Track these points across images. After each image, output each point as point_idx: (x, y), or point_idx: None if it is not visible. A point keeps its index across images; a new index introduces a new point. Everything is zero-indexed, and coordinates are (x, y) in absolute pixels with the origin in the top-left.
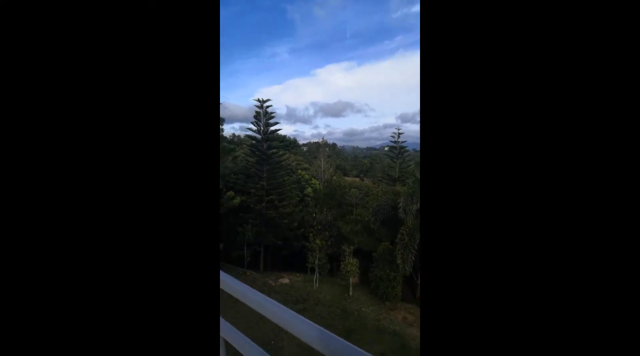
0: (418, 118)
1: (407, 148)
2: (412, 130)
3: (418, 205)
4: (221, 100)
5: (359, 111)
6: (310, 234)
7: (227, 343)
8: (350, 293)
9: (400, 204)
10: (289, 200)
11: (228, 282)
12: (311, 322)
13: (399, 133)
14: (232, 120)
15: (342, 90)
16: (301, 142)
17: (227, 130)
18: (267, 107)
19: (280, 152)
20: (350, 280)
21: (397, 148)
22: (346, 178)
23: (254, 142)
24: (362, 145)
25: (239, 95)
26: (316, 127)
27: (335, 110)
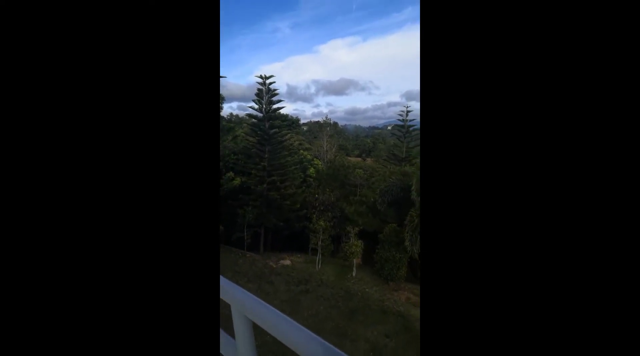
0: None
1: (415, 127)
2: (418, 108)
3: None
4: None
5: (362, 89)
6: (314, 215)
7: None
8: (354, 274)
9: (413, 186)
10: (291, 181)
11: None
12: (318, 337)
13: (407, 112)
14: (231, 98)
15: (345, 67)
16: (302, 121)
17: (225, 109)
18: (270, 84)
19: (283, 132)
20: (354, 261)
21: (404, 128)
22: (349, 158)
23: (254, 120)
24: (365, 124)
25: (238, 73)
26: (317, 105)
27: (338, 88)
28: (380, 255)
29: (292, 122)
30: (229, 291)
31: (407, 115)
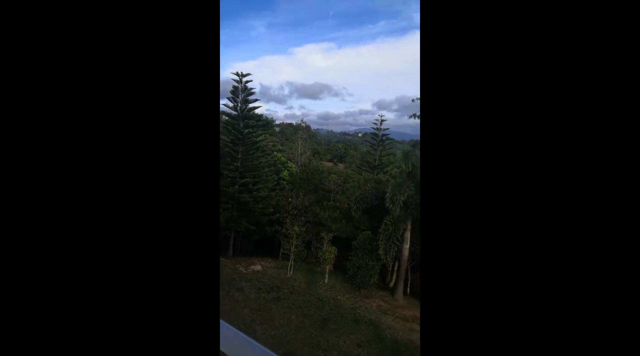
0: (394, 107)
1: (389, 137)
2: (388, 118)
3: (405, 197)
4: None
5: (336, 94)
6: (287, 219)
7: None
8: (326, 281)
9: (387, 194)
10: (264, 184)
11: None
12: None
13: (382, 121)
14: None
15: (320, 72)
16: (274, 122)
17: None
18: (247, 82)
19: (258, 132)
20: (326, 267)
21: (378, 136)
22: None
23: (227, 118)
24: (337, 129)
25: None
26: (290, 107)
27: (312, 92)
28: (353, 262)
29: (266, 123)
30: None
31: (380, 123)
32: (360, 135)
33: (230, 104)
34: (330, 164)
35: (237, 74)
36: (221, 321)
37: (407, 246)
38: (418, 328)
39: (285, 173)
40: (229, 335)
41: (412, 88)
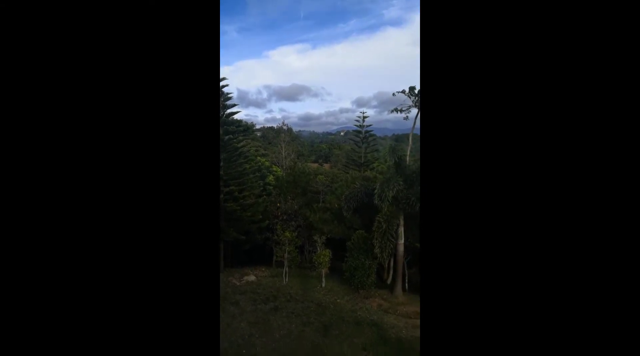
0: (373, 103)
1: (373, 133)
2: (369, 114)
3: (394, 192)
4: None
5: (315, 95)
6: (278, 225)
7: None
8: (323, 285)
9: (376, 190)
10: (250, 191)
11: None
12: None
13: (364, 118)
14: None
15: (296, 73)
16: (255, 127)
17: None
18: (224, 87)
19: (239, 138)
20: (322, 271)
21: (361, 133)
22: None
23: None
24: (319, 130)
25: None
26: (270, 111)
27: (291, 94)
28: (349, 263)
29: (246, 128)
30: None
31: (363, 120)
32: (342, 133)
33: None
34: (316, 165)
35: None
36: None
37: (401, 241)
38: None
39: (271, 178)
40: None
41: (388, 83)
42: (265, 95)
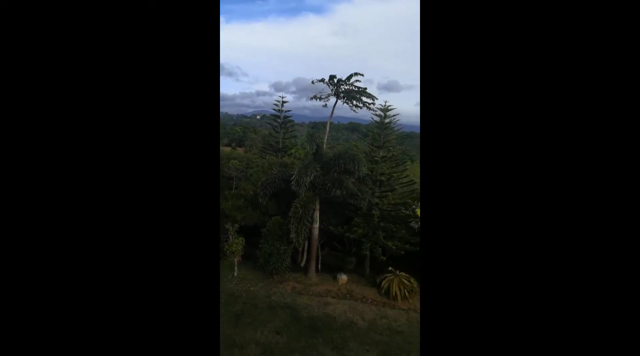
0: (292, 89)
1: (291, 119)
2: (287, 99)
3: (312, 178)
4: None
5: (229, 74)
6: None
7: None
8: (235, 274)
9: (294, 176)
10: None
11: None
12: None
13: (283, 102)
14: None
15: None
16: None
17: None
18: None
19: None
20: (235, 259)
21: (280, 118)
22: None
23: None
24: (233, 111)
25: None
26: None
27: None
28: (264, 249)
29: None
30: None
31: (282, 105)
32: (259, 117)
33: None
34: (229, 149)
35: None
36: None
37: (316, 225)
38: (331, 301)
39: None
40: None
41: (308, 70)
42: None
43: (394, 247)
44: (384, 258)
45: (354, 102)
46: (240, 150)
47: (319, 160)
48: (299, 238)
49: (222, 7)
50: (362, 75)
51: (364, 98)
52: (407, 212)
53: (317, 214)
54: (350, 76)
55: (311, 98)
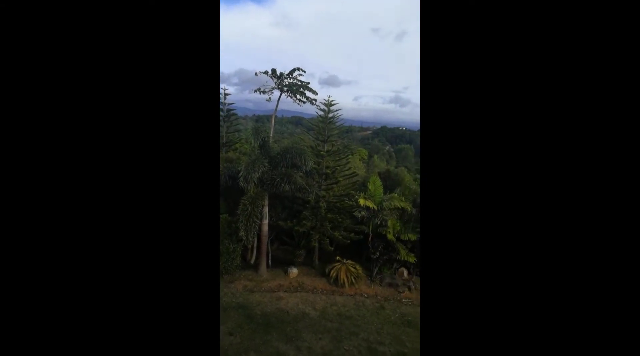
0: (234, 80)
1: (235, 113)
2: (229, 92)
3: (260, 173)
4: None
5: None
6: None
7: None
8: None
9: (241, 172)
10: None
11: None
12: None
13: (226, 94)
14: None
15: None
16: None
17: None
18: None
19: None
20: None
21: (223, 111)
22: None
23: None
24: None
25: None
26: None
27: None
28: None
29: None
30: None
31: (225, 98)
32: None
33: None
34: None
35: None
36: None
37: (266, 221)
38: (283, 295)
39: None
40: None
41: (249, 62)
42: None
43: (341, 237)
44: (332, 248)
45: (298, 97)
46: None
47: (267, 154)
48: (249, 235)
49: None
50: (304, 71)
51: (307, 93)
52: (351, 203)
53: (266, 210)
54: (293, 70)
55: (255, 91)
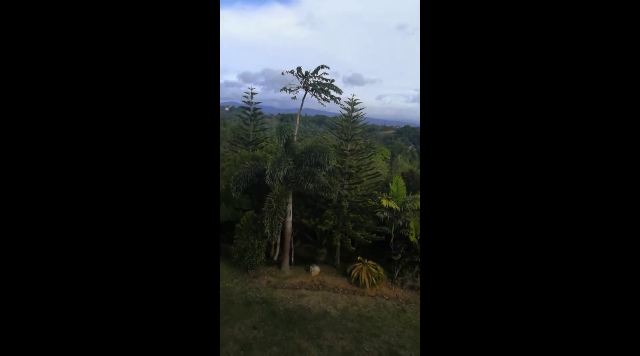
0: (261, 80)
1: (261, 111)
2: (256, 91)
3: (285, 172)
4: None
5: None
6: None
7: None
8: None
9: (267, 170)
10: None
11: None
12: None
13: (252, 94)
14: None
15: None
16: None
17: None
18: None
19: None
20: None
21: (250, 110)
22: None
23: None
24: None
25: None
26: None
27: None
28: (238, 245)
29: None
30: None
31: (251, 97)
32: (227, 109)
33: None
34: None
35: None
36: None
37: (290, 218)
38: (305, 292)
39: None
40: None
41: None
42: None
43: (362, 237)
44: (353, 248)
45: (323, 95)
46: None
47: (291, 153)
48: (273, 232)
49: None
50: (329, 68)
51: (332, 92)
52: (374, 203)
53: (290, 208)
54: (318, 68)
55: (281, 90)
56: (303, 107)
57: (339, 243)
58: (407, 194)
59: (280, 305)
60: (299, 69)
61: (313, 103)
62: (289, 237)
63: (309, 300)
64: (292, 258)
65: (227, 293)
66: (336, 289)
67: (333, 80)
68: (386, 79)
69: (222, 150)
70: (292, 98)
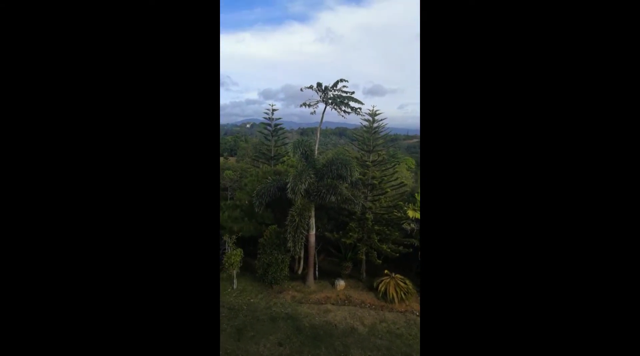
0: (281, 96)
1: (282, 126)
2: (276, 107)
3: (306, 185)
4: None
5: (220, 84)
6: None
7: None
8: (235, 286)
9: (289, 184)
10: None
11: None
12: None
13: (273, 110)
14: None
15: None
16: None
17: None
18: None
19: None
20: (234, 271)
21: (271, 126)
22: None
23: None
24: (224, 121)
25: None
26: None
27: None
28: (262, 260)
29: None
30: None
31: (272, 113)
32: (249, 125)
33: None
34: (221, 159)
35: None
36: None
37: (313, 232)
38: (331, 307)
39: None
40: None
41: (294, 78)
42: None
43: (389, 250)
44: (380, 261)
45: (342, 108)
46: (232, 159)
47: (312, 166)
48: (297, 246)
49: None
50: (347, 81)
51: (352, 104)
52: (399, 214)
53: (312, 221)
54: (337, 82)
55: (301, 106)
56: (324, 120)
57: (364, 257)
58: None
59: (306, 321)
60: (318, 84)
61: (333, 116)
62: (312, 251)
63: (335, 315)
64: (317, 272)
65: (252, 308)
66: (363, 304)
67: (353, 92)
68: (408, 87)
69: (244, 165)
70: (312, 113)
